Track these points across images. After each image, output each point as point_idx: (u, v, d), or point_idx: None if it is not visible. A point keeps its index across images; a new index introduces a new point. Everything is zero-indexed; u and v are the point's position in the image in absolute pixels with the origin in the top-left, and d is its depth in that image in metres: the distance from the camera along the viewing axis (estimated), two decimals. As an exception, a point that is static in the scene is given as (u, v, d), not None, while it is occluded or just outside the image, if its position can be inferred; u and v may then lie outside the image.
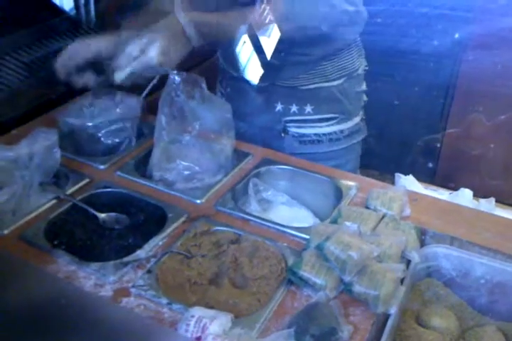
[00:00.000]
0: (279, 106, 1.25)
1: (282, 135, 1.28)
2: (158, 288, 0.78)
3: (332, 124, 1.26)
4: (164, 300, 0.76)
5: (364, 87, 1.31)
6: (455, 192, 1.33)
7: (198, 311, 0.71)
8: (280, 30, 1.05)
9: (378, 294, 0.75)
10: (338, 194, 1.04)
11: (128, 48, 0.98)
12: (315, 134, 1.27)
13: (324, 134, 1.26)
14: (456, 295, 0.88)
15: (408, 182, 1.22)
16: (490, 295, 0.87)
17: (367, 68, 1.29)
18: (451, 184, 1.49)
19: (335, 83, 1.22)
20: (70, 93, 1.29)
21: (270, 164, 1.11)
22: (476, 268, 0.87)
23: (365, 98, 1.32)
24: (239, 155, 1.12)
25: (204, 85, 1.04)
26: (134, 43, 0.98)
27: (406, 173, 1.35)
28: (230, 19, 1.05)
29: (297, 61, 1.18)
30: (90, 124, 1.15)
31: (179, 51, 1.00)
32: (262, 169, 1.10)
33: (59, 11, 1.43)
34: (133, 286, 0.78)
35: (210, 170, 1.07)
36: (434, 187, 1.39)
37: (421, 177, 1.44)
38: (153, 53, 0.96)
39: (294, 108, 1.24)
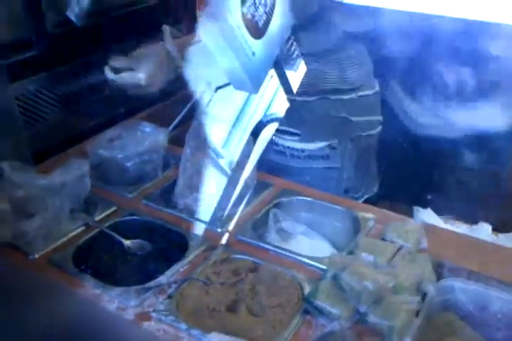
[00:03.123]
0: None
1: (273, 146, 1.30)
2: (177, 313, 0.81)
3: (295, 140, 1.27)
4: (183, 326, 0.78)
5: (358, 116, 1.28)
6: (474, 226, 1.33)
7: (215, 337, 0.73)
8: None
9: (393, 325, 0.76)
10: (356, 225, 1.06)
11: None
12: (282, 145, 1.30)
13: (288, 147, 1.29)
14: (472, 330, 0.88)
15: (426, 215, 1.23)
16: (507, 330, 0.86)
17: (364, 93, 1.26)
18: (470, 218, 1.48)
19: (302, 98, 1.22)
20: (100, 125, 1.37)
21: (290, 195, 1.14)
22: (493, 302, 0.87)
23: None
24: (260, 186, 1.16)
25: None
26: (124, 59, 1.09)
27: (425, 207, 1.36)
28: None
29: None
30: (120, 156, 1.21)
31: (166, 75, 1.08)
32: (283, 200, 1.13)
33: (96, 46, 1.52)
34: (154, 311, 0.81)
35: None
36: (453, 222, 1.39)
37: (440, 212, 1.44)
38: (142, 75, 1.06)
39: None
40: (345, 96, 1.24)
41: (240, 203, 1.10)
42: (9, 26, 1.24)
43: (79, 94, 1.46)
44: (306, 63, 0.95)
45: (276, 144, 1.30)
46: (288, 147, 1.29)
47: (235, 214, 1.06)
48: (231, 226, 1.02)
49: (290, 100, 1.10)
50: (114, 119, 1.39)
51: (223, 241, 0.98)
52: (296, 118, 1.24)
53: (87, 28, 1.30)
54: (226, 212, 1.08)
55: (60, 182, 1.06)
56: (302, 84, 1.02)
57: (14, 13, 1.23)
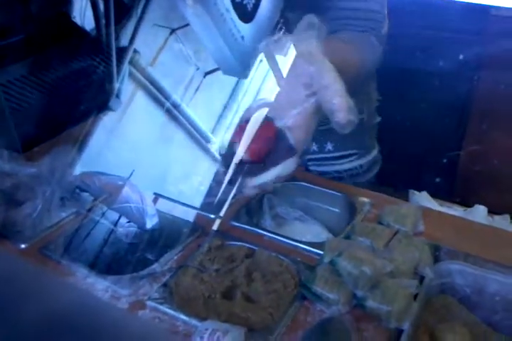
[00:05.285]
0: None
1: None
2: (172, 301, 0.79)
3: (352, 160, 1.23)
4: (179, 313, 0.77)
5: (378, 118, 1.27)
6: (469, 209, 1.33)
7: (211, 324, 0.72)
8: None
9: (391, 309, 0.76)
10: (352, 210, 1.05)
11: None
12: (335, 171, 1.24)
13: (345, 170, 1.24)
14: (470, 312, 0.88)
15: (422, 198, 1.22)
16: (505, 312, 0.86)
17: (380, 98, 1.26)
18: (466, 201, 1.48)
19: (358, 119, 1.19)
20: (90, 111, 1.33)
21: (285, 180, 1.12)
22: (490, 284, 0.87)
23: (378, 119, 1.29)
24: (254, 171, 1.14)
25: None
26: None
27: (421, 190, 1.36)
28: None
29: None
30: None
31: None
32: (277, 185, 1.12)
33: (80, 31, 1.49)
34: (148, 299, 0.80)
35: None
36: (449, 204, 1.39)
37: (436, 195, 1.44)
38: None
39: (313, 146, 1.21)
40: None
41: (232, 189, 1.08)
42: (-8, 10, 1.20)
43: (67, 80, 1.42)
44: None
45: (331, 173, 1.23)
46: (345, 170, 1.23)
47: (226, 199, 1.05)
48: (223, 212, 1.00)
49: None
50: (104, 104, 1.36)
51: (215, 227, 0.97)
52: (353, 139, 1.18)
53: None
54: (217, 198, 1.07)
55: (49, 169, 1.03)
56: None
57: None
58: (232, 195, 1.05)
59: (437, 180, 1.79)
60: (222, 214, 0.99)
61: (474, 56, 1.77)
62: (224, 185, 1.09)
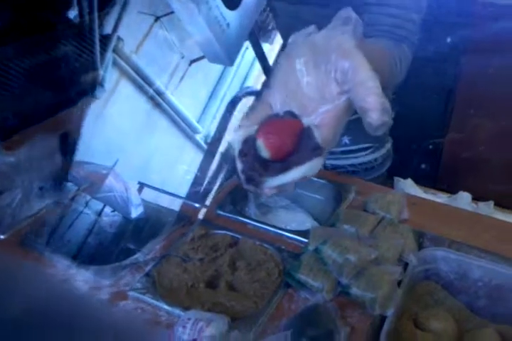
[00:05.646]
0: None
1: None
2: (155, 291, 0.78)
3: (367, 154, 1.21)
4: (161, 303, 0.76)
5: (393, 112, 1.24)
6: (453, 196, 1.33)
7: (194, 314, 0.71)
8: None
9: (375, 296, 0.76)
10: (338, 197, 1.04)
11: None
12: (350, 165, 1.22)
13: (360, 164, 1.22)
14: (454, 298, 0.88)
15: (407, 185, 1.22)
16: (488, 297, 0.86)
17: (395, 91, 1.23)
18: (451, 188, 1.49)
19: None
20: (70, 100, 1.31)
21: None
22: (474, 270, 0.87)
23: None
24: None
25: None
26: None
27: (406, 177, 1.36)
28: None
29: None
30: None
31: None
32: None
33: (63, 18, 1.45)
34: (130, 289, 0.79)
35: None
36: (434, 191, 1.39)
37: (421, 182, 1.44)
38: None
39: None
40: None
41: (217, 177, 1.07)
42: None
43: (48, 67, 1.39)
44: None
45: (345, 167, 1.21)
46: (360, 164, 1.21)
47: (212, 188, 1.04)
48: (208, 200, 0.99)
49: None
50: (87, 92, 1.33)
51: (200, 215, 0.95)
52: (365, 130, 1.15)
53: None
54: (203, 187, 1.06)
55: (28, 158, 1.01)
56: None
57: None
58: (218, 183, 1.04)
59: (422, 166, 1.80)
60: (207, 202, 0.98)
61: (461, 40, 1.76)
62: (209, 174, 1.07)
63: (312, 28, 0.62)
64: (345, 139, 1.18)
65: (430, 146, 1.93)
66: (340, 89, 0.59)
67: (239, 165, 0.59)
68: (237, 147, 0.59)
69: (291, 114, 0.60)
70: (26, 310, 0.58)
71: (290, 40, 0.63)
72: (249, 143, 0.59)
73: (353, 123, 0.63)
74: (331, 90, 0.59)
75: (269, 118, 0.60)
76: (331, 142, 0.61)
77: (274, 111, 0.62)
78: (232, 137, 0.64)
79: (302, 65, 0.60)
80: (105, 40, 1.42)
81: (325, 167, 1.21)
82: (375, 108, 0.56)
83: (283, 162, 0.57)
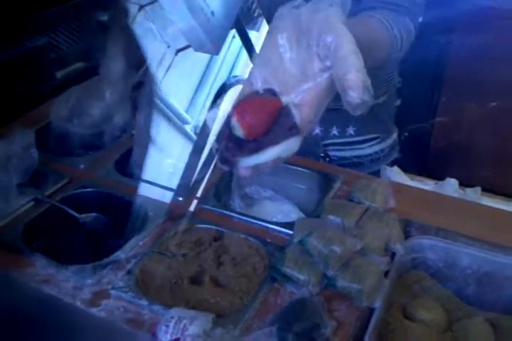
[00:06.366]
0: (317, 130, 1.14)
1: (320, 160, 1.17)
2: (138, 289, 0.76)
3: (373, 145, 1.18)
4: (144, 302, 0.74)
5: (398, 100, 1.22)
6: (440, 182, 1.32)
7: (177, 312, 0.69)
8: None
9: (362, 288, 0.74)
10: (323, 187, 1.03)
11: None
12: (356, 156, 1.18)
13: (365, 155, 1.18)
14: (443, 287, 0.87)
15: (394, 173, 1.20)
16: (477, 285, 0.86)
17: (400, 79, 1.19)
18: (438, 175, 1.48)
19: (380, 100, 1.11)
20: (47, 94, 1.27)
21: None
22: (462, 258, 0.86)
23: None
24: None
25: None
26: None
27: (392, 165, 1.34)
28: None
29: None
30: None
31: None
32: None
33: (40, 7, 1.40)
34: (112, 288, 0.77)
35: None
36: (421, 178, 1.38)
37: (409, 169, 1.43)
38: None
39: (334, 131, 1.14)
40: None
41: (207, 169, 1.05)
42: None
43: (24, 60, 1.35)
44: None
45: (350, 158, 1.17)
46: (365, 155, 1.17)
47: (201, 181, 1.01)
48: (199, 192, 0.96)
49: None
50: (63, 86, 1.29)
51: (191, 208, 0.93)
52: (376, 122, 1.12)
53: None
54: (193, 180, 1.03)
55: (4, 154, 0.98)
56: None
57: None
58: (207, 176, 1.01)
59: (409, 154, 1.79)
60: (198, 194, 0.95)
61: (446, 24, 1.73)
62: (199, 166, 1.04)
63: (300, 0, 0.58)
64: (350, 130, 1.14)
65: (417, 131, 1.92)
66: (322, 65, 0.55)
67: (213, 145, 0.57)
68: (211, 125, 0.56)
69: (271, 91, 0.57)
70: (5, 314, 0.56)
71: (276, 14, 0.60)
72: (225, 122, 0.56)
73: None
74: (313, 66, 0.55)
75: (248, 96, 0.57)
76: (310, 122, 0.57)
77: (254, 89, 0.58)
78: (206, 115, 0.61)
79: (285, 40, 0.56)
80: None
81: (330, 159, 1.18)
82: (356, 85, 0.51)
83: (258, 141, 0.55)
